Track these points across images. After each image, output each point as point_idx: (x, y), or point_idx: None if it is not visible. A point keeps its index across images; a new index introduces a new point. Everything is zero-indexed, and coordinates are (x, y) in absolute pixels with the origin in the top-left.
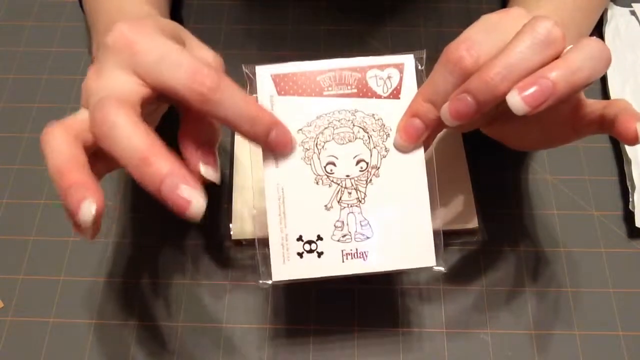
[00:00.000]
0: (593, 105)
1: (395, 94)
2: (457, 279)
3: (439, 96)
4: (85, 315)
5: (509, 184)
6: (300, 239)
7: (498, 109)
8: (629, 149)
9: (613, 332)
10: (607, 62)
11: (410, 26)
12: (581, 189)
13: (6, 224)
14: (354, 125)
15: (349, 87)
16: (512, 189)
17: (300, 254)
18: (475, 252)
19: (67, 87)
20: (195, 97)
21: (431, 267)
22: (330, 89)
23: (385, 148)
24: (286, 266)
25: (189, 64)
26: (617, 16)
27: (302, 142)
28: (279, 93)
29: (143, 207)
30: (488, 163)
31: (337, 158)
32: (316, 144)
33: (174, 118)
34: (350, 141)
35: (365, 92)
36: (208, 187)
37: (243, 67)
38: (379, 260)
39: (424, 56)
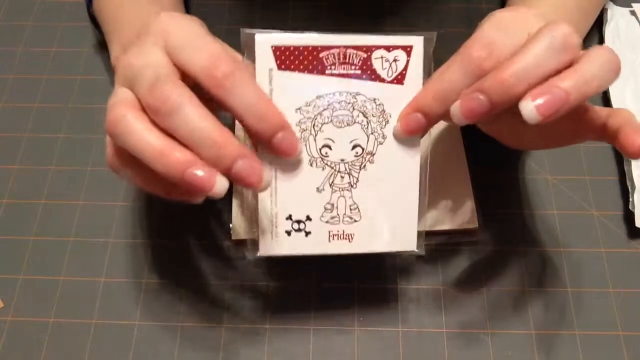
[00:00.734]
0: (596, 112)
1: (400, 79)
2: (457, 279)
3: (448, 95)
4: (85, 315)
5: (509, 184)
6: (289, 217)
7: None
8: None
9: (613, 332)
10: (617, 71)
11: (410, 26)
12: (581, 189)
13: (6, 224)
14: (354, 108)
15: (352, 68)
16: (512, 189)
17: (288, 232)
18: (475, 252)
19: (67, 87)
20: (209, 80)
21: (412, 251)
22: (333, 67)
23: (383, 135)
24: (274, 242)
25: (209, 49)
26: (617, 16)
27: (299, 121)
28: (279, 67)
29: (143, 207)
30: (488, 163)
31: (333, 141)
32: (313, 125)
33: None
34: (348, 125)
35: (369, 74)
36: None
37: (241, 32)
38: (363, 242)
39: (434, 38)
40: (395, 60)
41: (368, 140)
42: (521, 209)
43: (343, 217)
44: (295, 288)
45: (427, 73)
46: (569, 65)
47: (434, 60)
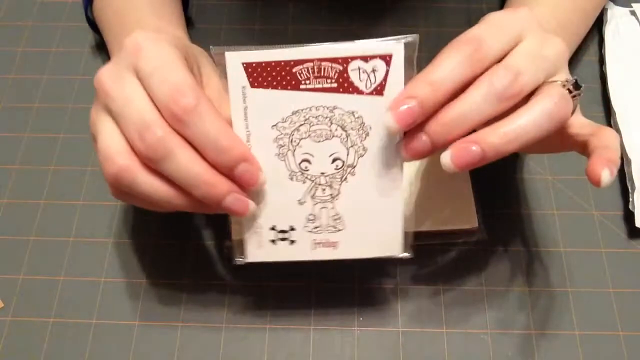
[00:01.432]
0: (582, 127)
1: (379, 90)
2: (457, 279)
3: (442, 80)
4: (85, 315)
5: (509, 184)
6: (273, 228)
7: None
8: (628, 149)
9: (613, 332)
10: (561, 119)
11: (410, 26)
12: (581, 189)
13: (6, 224)
14: (331, 122)
15: (328, 81)
16: (512, 189)
17: (273, 241)
18: (475, 252)
19: (67, 87)
20: (168, 114)
21: (397, 255)
22: (307, 82)
23: (363, 147)
24: (260, 250)
25: (172, 80)
26: (617, 16)
27: (276, 138)
28: (252, 85)
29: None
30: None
31: (312, 156)
32: (291, 140)
33: None
34: (327, 139)
35: (346, 87)
36: None
37: (211, 49)
38: (348, 249)
39: (417, 41)
40: (373, 71)
41: (348, 154)
42: (521, 209)
43: (326, 227)
44: (295, 288)
45: (409, 81)
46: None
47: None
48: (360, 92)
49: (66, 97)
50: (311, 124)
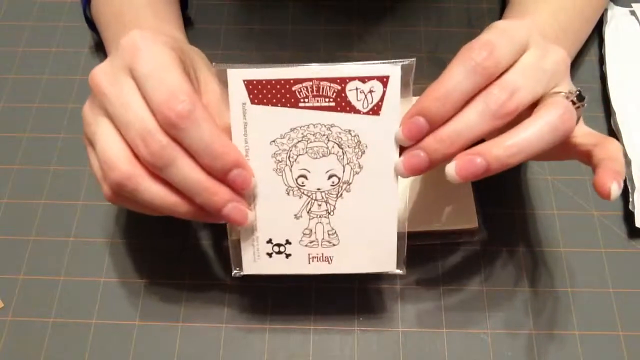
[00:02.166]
0: (585, 137)
1: (376, 110)
2: (457, 279)
3: (450, 95)
4: (85, 315)
5: (509, 184)
6: (270, 241)
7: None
8: (628, 150)
9: (613, 332)
10: (565, 133)
11: (410, 26)
12: (581, 189)
13: (6, 224)
14: (328, 140)
15: (326, 100)
16: (512, 189)
17: (269, 254)
18: (475, 252)
19: (67, 87)
20: (162, 119)
21: (391, 270)
22: (306, 100)
23: (359, 165)
24: (256, 263)
25: (168, 85)
26: (617, 16)
27: (274, 153)
28: (252, 101)
29: None
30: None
31: (309, 172)
32: (289, 156)
33: None
34: (323, 156)
35: (343, 106)
36: None
37: (213, 66)
38: (342, 264)
39: (414, 65)
40: (370, 92)
41: (344, 171)
42: (521, 209)
43: (321, 242)
44: (295, 288)
45: (407, 101)
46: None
47: (434, 60)
48: (357, 112)
49: (66, 97)
50: (309, 141)
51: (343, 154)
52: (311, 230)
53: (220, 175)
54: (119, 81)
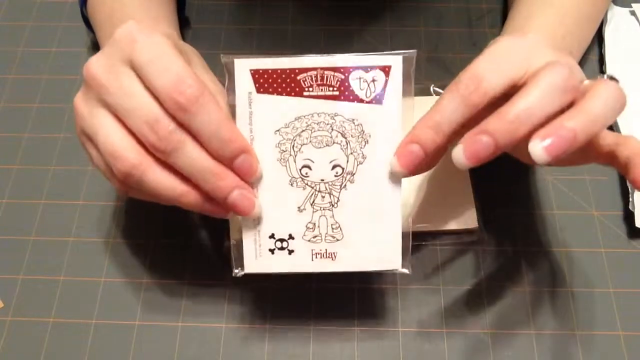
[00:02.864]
0: (605, 137)
1: (379, 99)
2: (457, 279)
3: (443, 124)
4: (85, 315)
5: (509, 184)
6: (272, 236)
7: None
8: None
9: (613, 332)
10: (623, 106)
11: (410, 26)
12: (581, 189)
13: (6, 224)
14: (332, 129)
15: (330, 89)
16: (512, 189)
17: (272, 250)
18: (475, 252)
19: (67, 87)
20: (172, 104)
21: (396, 269)
22: (311, 89)
23: (363, 155)
24: (258, 261)
25: (176, 71)
26: (617, 16)
27: (278, 143)
28: (258, 90)
29: (143, 207)
30: (488, 163)
31: (313, 162)
32: (293, 146)
33: None
34: (327, 145)
35: (347, 95)
36: None
37: (221, 57)
38: (346, 261)
39: (414, 57)
40: (373, 81)
41: (348, 161)
42: (521, 209)
43: (325, 236)
44: (295, 288)
45: (408, 92)
46: (572, 104)
47: (435, 60)
48: (360, 100)
49: (66, 97)
50: (313, 130)
51: (347, 143)
52: (315, 224)
53: (227, 161)
54: (118, 71)
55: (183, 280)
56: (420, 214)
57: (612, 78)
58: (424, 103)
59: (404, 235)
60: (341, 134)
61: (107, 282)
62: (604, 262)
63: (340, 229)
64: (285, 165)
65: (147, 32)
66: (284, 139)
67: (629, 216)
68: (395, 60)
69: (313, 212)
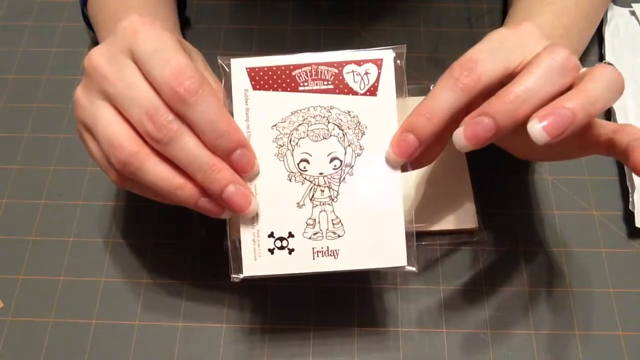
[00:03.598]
0: (602, 127)
1: (373, 91)
2: (457, 279)
3: (437, 111)
4: (85, 315)
5: (509, 184)
6: (271, 235)
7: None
8: None
9: (613, 332)
10: (621, 90)
11: (410, 26)
12: (581, 189)
13: (6, 224)
14: (329, 122)
15: (325, 83)
16: (512, 189)
17: (271, 250)
18: (475, 252)
19: (67, 87)
20: (171, 95)
21: (402, 267)
22: (306, 84)
23: (360, 146)
24: (257, 262)
25: (176, 61)
26: (617, 16)
27: (276, 138)
28: (254, 87)
29: (143, 207)
30: (488, 163)
31: (310, 155)
32: (290, 140)
33: None
34: (324, 138)
35: (341, 88)
36: None
37: (218, 59)
38: (349, 258)
39: (404, 51)
40: (366, 73)
41: (345, 153)
42: (521, 209)
43: (326, 233)
44: (295, 288)
45: (400, 84)
46: (570, 87)
47: (434, 60)
48: (355, 93)
49: (66, 97)
50: (309, 124)
51: (344, 135)
52: (315, 220)
53: (224, 155)
54: (119, 62)
55: (183, 280)
56: (420, 213)
57: (609, 64)
58: None
59: (408, 232)
60: (338, 126)
61: (107, 282)
62: (604, 262)
63: (342, 224)
64: (283, 160)
65: (149, 24)
66: (281, 133)
67: (629, 216)
68: (386, 54)
69: (313, 207)
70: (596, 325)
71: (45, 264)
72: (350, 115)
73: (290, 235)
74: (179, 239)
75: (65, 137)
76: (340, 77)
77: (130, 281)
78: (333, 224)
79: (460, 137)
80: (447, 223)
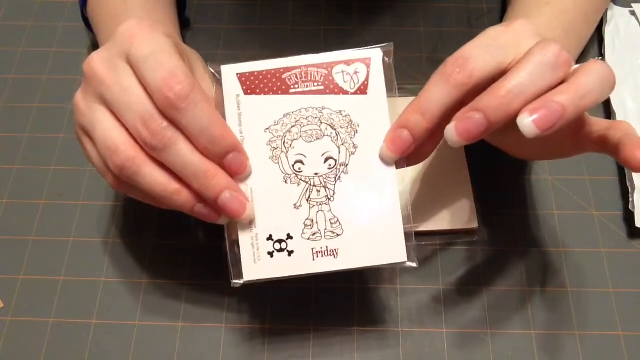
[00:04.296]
0: (596, 124)
1: (363, 90)
2: (457, 278)
3: (430, 107)
4: (85, 315)
5: (509, 184)
6: (270, 238)
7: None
8: None
9: (613, 332)
10: (613, 86)
11: (410, 26)
12: (581, 189)
13: (6, 224)
14: (321, 122)
15: (315, 84)
16: (512, 189)
17: (270, 253)
18: (475, 252)
19: (67, 87)
20: (162, 101)
21: (403, 263)
22: (296, 86)
23: (354, 145)
24: (257, 266)
25: (168, 67)
26: (617, 16)
27: (269, 141)
28: (245, 92)
29: (143, 207)
30: (488, 163)
31: (305, 156)
32: (284, 142)
33: None
34: (318, 139)
35: (332, 88)
36: None
37: (208, 66)
38: (349, 257)
39: (392, 49)
40: (356, 73)
41: (339, 152)
42: (521, 209)
43: (325, 233)
44: (295, 288)
45: (389, 82)
46: (562, 82)
47: (434, 60)
48: (345, 92)
49: (66, 97)
50: (302, 125)
51: (337, 135)
52: (312, 221)
53: (217, 159)
54: (116, 67)
55: (183, 280)
56: (420, 213)
57: (601, 60)
58: None
59: (406, 227)
60: (330, 126)
61: (107, 282)
62: (604, 262)
63: (340, 223)
64: (278, 163)
65: (147, 29)
66: (274, 136)
67: (629, 216)
68: (374, 53)
69: (310, 207)
70: (596, 325)
71: (45, 264)
72: (342, 114)
73: (289, 237)
74: (179, 239)
75: (65, 137)
76: (330, 78)
77: (130, 281)
78: (331, 223)
79: (452, 132)
80: (447, 223)
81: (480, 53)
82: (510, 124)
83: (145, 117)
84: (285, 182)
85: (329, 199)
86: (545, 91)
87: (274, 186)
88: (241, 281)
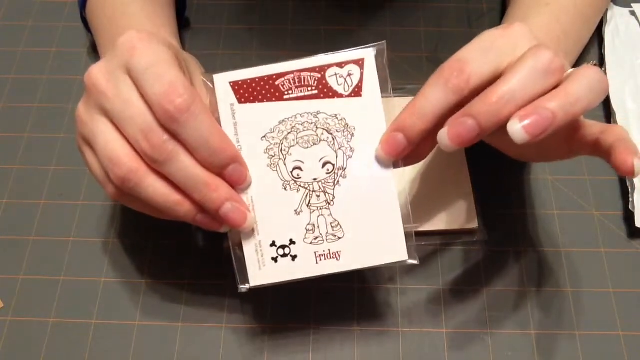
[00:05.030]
0: (590, 127)
1: (357, 92)
2: (457, 279)
3: (426, 111)
4: (85, 315)
5: (509, 184)
6: (273, 244)
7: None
8: None
9: (613, 332)
10: (605, 92)
11: (410, 26)
12: (581, 189)
13: (6, 224)
14: (317, 127)
15: (309, 89)
16: (512, 189)
17: (274, 259)
18: (475, 252)
19: (67, 87)
20: (162, 114)
21: (404, 261)
22: (290, 92)
23: (351, 148)
24: (262, 272)
25: (168, 80)
26: (617, 16)
27: (266, 149)
28: (239, 101)
29: None
30: (488, 163)
31: (303, 162)
32: (281, 149)
33: None
34: (314, 144)
35: (326, 92)
36: None
37: (201, 77)
38: (351, 258)
39: (385, 48)
40: (349, 75)
41: (337, 156)
42: (521, 209)
43: (326, 236)
44: (295, 288)
45: (384, 82)
46: (555, 87)
47: (434, 60)
48: (339, 96)
49: (66, 97)
50: (298, 131)
51: (333, 139)
52: (314, 225)
53: (217, 171)
54: (117, 79)
55: (183, 280)
56: (419, 214)
57: (595, 65)
58: None
59: (407, 228)
60: (326, 130)
61: (107, 282)
62: (604, 262)
63: (340, 226)
64: (276, 170)
65: (147, 40)
66: (271, 144)
67: (629, 216)
68: (367, 53)
69: (310, 213)
70: (596, 325)
71: (45, 264)
72: (337, 118)
73: (292, 242)
74: (179, 239)
75: (65, 137)
76: (324, 82)
77: (130, 281)
78: (332, 227)
79: (445, 137)
80: (448, 223)
81: (477, 57)
82: (504, 127)
83: (146, 130)
84: (285, 189)
85: (329, 203)
86: (537, 97)
87: (274, 194)
88: (247, 286)
